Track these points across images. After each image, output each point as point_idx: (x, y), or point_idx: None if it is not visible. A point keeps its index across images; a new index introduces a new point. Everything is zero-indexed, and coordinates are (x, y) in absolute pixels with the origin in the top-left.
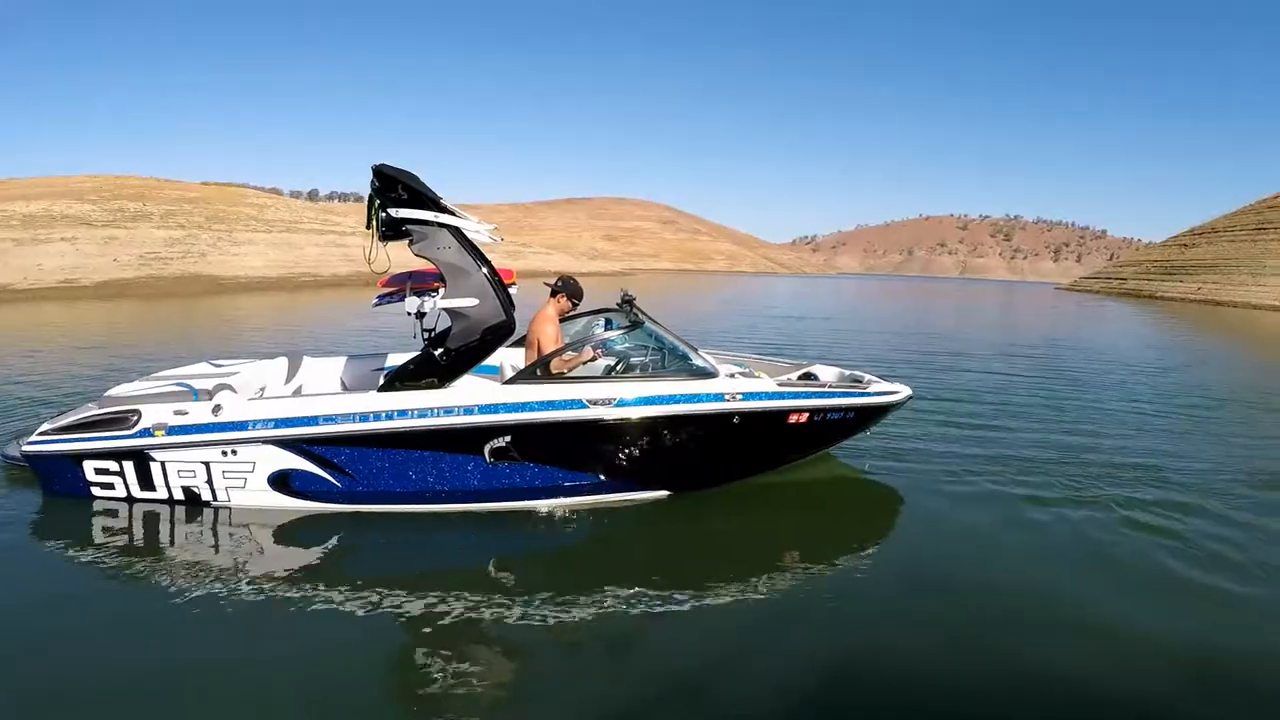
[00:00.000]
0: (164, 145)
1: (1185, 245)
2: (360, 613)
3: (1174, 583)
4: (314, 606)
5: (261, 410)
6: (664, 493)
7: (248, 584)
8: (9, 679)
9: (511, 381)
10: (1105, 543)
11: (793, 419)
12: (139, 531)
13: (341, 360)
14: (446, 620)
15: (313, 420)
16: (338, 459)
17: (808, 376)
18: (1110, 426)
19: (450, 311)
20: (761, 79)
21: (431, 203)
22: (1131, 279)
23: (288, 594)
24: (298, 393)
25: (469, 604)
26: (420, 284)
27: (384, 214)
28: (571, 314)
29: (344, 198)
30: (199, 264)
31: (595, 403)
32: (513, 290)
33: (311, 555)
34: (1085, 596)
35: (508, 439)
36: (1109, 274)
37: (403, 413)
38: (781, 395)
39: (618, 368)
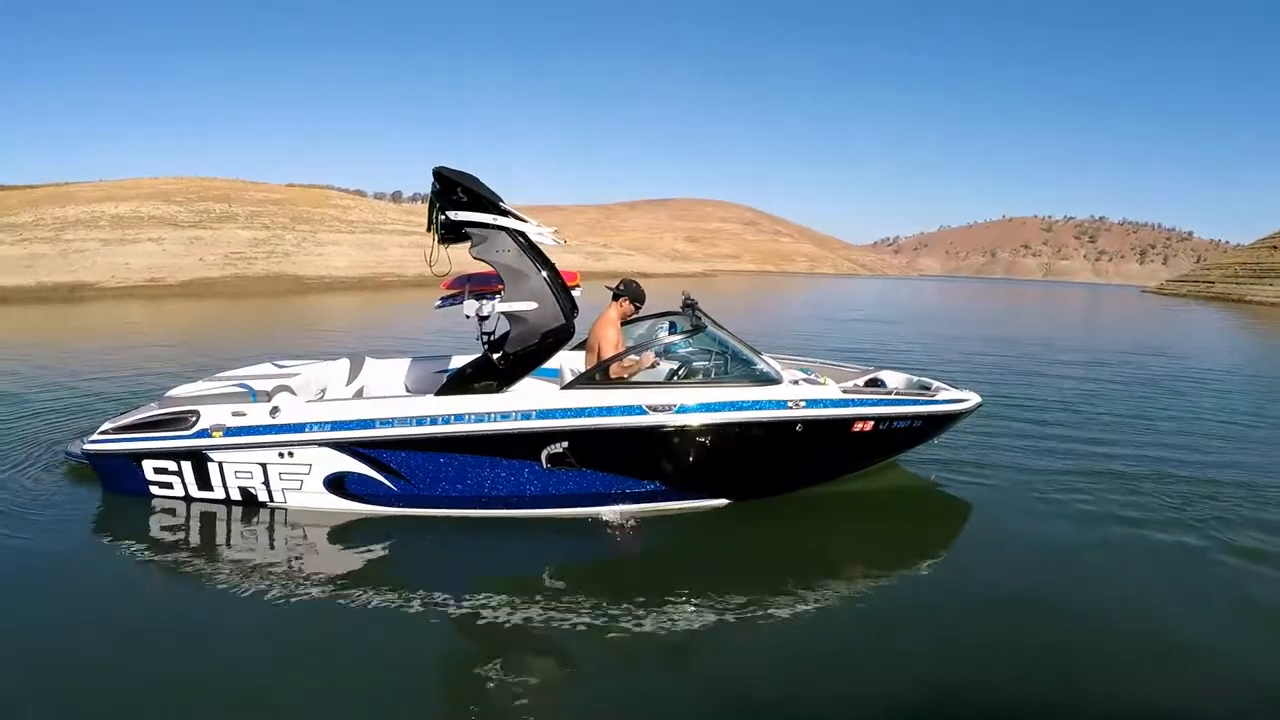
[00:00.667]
0: (249, 147)
1: (1276, 247)
2: (413, 616)
3: (1271, 621)
4: (367, 609)
5: (318, 413)
6: (724, 501)
7: (301, 585)
8: (57, 673)
9: (570, 386)
10: (1196, 571)
11: (857, 427)
12: (196, 531)
13: (405, 362)
14: (500, 626)
15: (369, 424)
16: (393, 462)
17: (874, 382)
18: (1204, 439)
19: (509, 315)
20: (844, 79)
21: (491, 205)
22: (1219, 282)
23: (340, 596)
24: (359, 394)
25: (523, 610)
26: (480, 286)
27: (443, 216)
28: (634, 317)
29: (427, 199)
30: (283, 264)
31: (655, 409)
32: (576, 293)
33: (366, 558)
34: (1170, 630)
35: (565, 445)
36: (1196, 277)
37: (459, 417)
38: (846, 403)
39: (680, 372)
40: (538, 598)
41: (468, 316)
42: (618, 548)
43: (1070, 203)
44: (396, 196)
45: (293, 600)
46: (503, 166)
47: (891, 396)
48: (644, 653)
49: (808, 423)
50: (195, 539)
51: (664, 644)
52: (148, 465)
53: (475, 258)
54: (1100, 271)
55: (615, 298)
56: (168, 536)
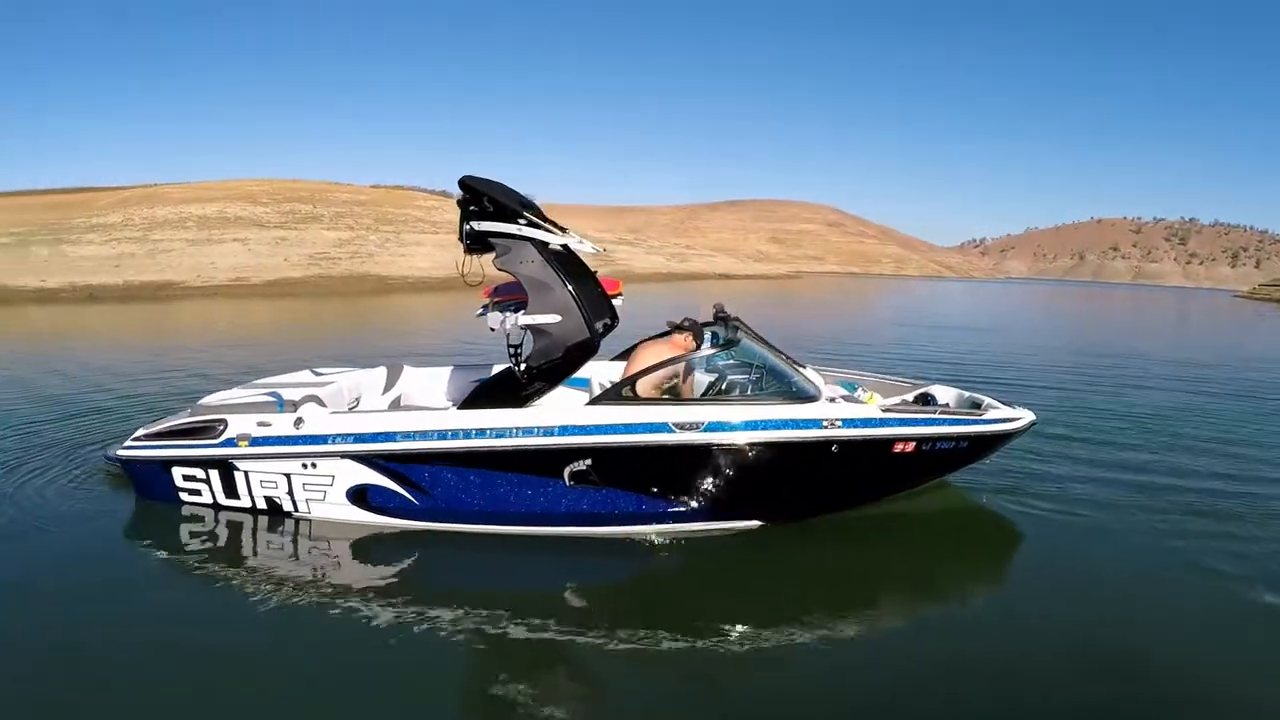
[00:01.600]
0: (338, 148)
1: None
2: (432, 632)
3: None
4: (384, 623)
5: (341, 424)
6: (756, 523)
7: (321, 597)
8: (72, 673)
9: (595, 401)
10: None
11: (898, 448)
12: (222, 539)
13: (445, 370)
14: (520, 646)
15: (390, 436)
16: (415, 476)
17: (924, 398)
18: None
19: (532, 328)
20: (929, 77)
21: (515, 215)
22: None
23: (359, 609)
24: (395, 403)
25: (545, 631)
26: (508, 295)
27: (468, 226)
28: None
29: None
30: (366, 264)
31: (682, 427)
32: (617, 303)
33: (386, 571)
34: (1245, 689)
35: (588, 462)
36: None
37: (481, 432)
38: (885, 423)
39: (717, 388)
40: (558, 619)
41: (492, 329)
42: (648, 568)
43: (1160, 204)
44: None
45: (313, 612)
46: (575, 165)
47: (934, 415)
48: (672, 676)
49: (844, 443)
50: (221, 547)
51: (693, 670)
52: (177, 472)
53: (499, 269)
54: (1191, 275)
55: (677, 329)
56: (195, 544)
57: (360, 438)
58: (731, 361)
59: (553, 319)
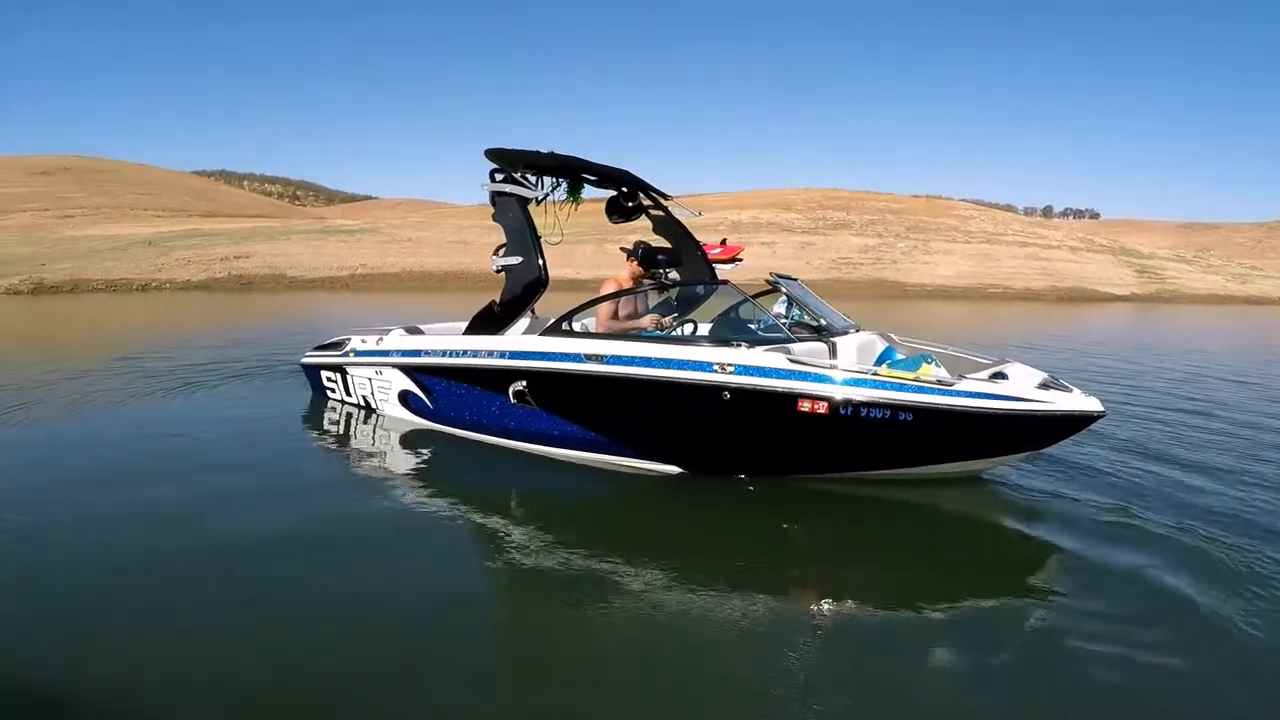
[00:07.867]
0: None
1: None
2: (459, 536)
3: None
4: (397, 508)
5: (397, 343)
6: (674, 469)
7: (370, 476)
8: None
9: (546, 332)
10: None
11: (804, 406)
12: (340, 425)
13: None
14: (508, 557)
15: (417, 353)
16: (429, 385)
17: (999, 377)
18: None
19: (505, 269)
20: None
21: (512, 179)
22: None
23: (391, 489)
24: None
25: (512, 541)
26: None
27: (483, 189)
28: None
29: (1079, 214)
30: (887, 270)
31: (590, 358)
32: (730, 268)
33: (413, 464)
34: None
35: (524, 384)
36: None
37: (462, 352)
38: (785, 374)
39: (687, 329)
40: (555, 532)
41: (497, 271)
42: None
43: None
44: (1047, 211)
45: (347, 480)
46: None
47: (858, 376)
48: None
49: (735, 391)
50: (339, 429)
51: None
52: (323, 375)
53: (495, 221)
54: None
55: (629, 257)
56: (330, 428)
57: (403, 353)
58: (729, 308)
59: (516, 260)
